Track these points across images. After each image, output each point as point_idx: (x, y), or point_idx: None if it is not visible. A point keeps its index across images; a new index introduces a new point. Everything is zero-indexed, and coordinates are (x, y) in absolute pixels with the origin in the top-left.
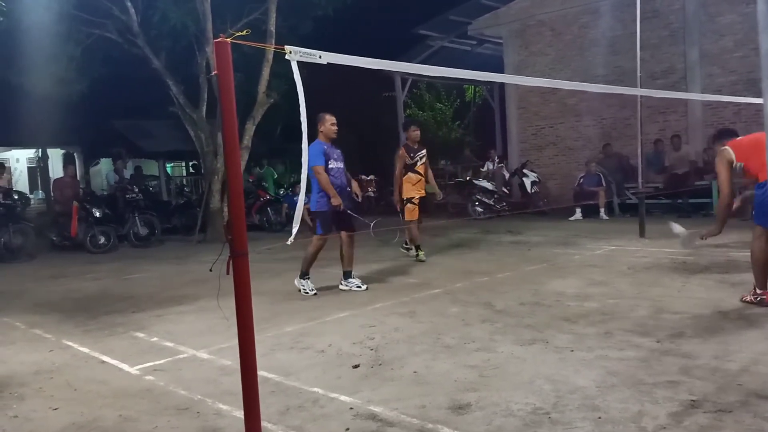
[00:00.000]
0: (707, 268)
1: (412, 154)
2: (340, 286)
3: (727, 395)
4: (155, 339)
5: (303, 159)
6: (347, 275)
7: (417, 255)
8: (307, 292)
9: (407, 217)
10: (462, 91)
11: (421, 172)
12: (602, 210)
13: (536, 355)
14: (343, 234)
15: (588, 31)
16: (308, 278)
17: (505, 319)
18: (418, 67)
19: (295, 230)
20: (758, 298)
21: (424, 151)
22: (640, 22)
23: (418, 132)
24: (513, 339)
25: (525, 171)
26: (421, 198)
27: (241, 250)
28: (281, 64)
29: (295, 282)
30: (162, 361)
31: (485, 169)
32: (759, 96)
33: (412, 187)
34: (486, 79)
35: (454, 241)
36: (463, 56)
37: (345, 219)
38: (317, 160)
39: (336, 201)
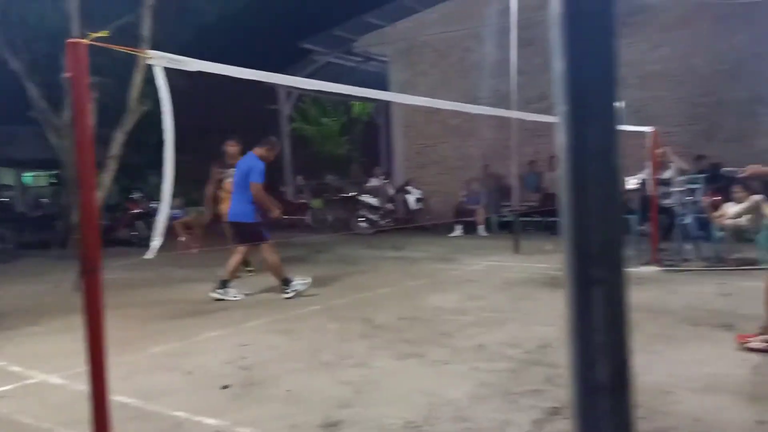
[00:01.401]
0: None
1: (223, 171)
2: (284, 295)
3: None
4: (2, 363)
5: (165, 168)
6: (287, 282)
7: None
8: (299, 290)
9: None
10: (349, 107)
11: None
12: (481, 227)
13: (412, 369)
14: (242, 248)
15: (470, 55)
16: (293, 281)
17: (384, 335)
18: (301, 81)
19: (156, 244)
20: None
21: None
22: (517, 49)
23: (236, 148)
24: (390, 354)
25: (409, 188)
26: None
27: (92, 265)
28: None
29: (284, 295)
30: (7, 387)
31: (370, 185)
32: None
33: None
34: (372, 97)
35: (338, 256)
36: (349, 72)
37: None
38: (261, 178)
39: (277, 213)
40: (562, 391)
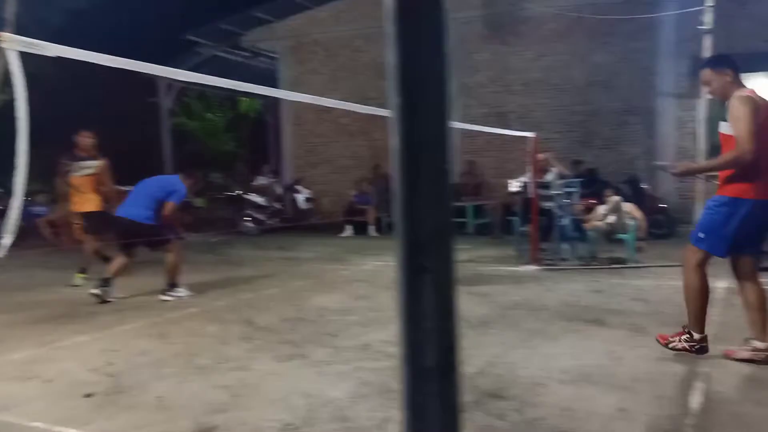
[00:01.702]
0: (457, 281)
1: (71, 164)
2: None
3: (464, 396)
4: None
5: (18, 161)
6: (173, 286)
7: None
8: (180, 297)
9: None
10: (236, 103)
11: (77, 184)
12: (372, 227)
13: (293, 370)
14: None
15: (360, 55)
16: (180, 288)
17: (266, 336)
18: (183, 74)
19: (6, 242)
20: (696, 346)
21: (93, 162)
22: None
23: (90, 140)
24: (271, 356)
25: (298, 187)
26: (89, 215)
27: None
28: (30, 59)
29: (164, 298)
30: None
31: (257, 183)
32: (507, 128)
33: (74, 203)
34: (260, 93)
35: (222, 257)
36: (236, 67)
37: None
38: (179, 201)
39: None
40: None
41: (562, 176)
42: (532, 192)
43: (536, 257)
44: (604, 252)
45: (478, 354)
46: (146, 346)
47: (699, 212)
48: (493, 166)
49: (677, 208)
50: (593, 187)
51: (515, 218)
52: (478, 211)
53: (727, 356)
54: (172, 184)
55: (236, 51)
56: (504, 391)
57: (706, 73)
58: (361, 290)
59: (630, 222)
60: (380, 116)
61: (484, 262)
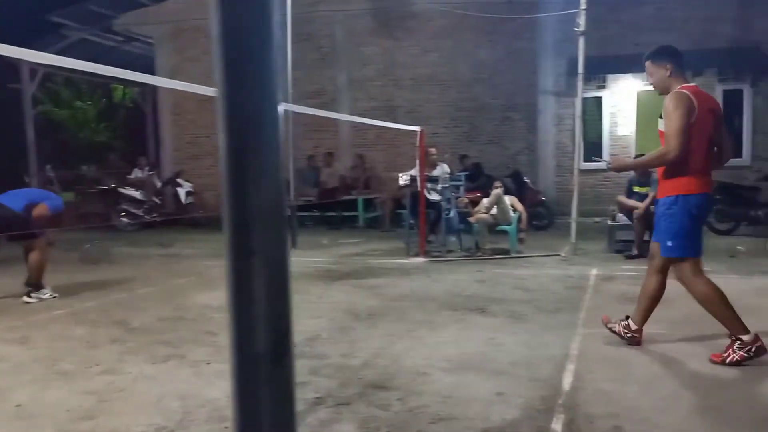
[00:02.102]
0: (347, 275)
1: None
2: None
3: (348, 389)
4: None
5: None
6: (38, 287)
7: None
8: (43, 299)
9: None
10: (110, 91)
11: None
12: None
13: (169, 372)
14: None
15: None
16: (45, 289)
17: (140, 338)
18: (48, 58)
19: None
20: (629, 335)
21: None
22: (295, 42)
23: None
24: (145, 358)
25: (179, 180)
26: None
27: None
28: None
29: (27, 300)
30: None
31: (133, 176)
32: (396, 122)
33: None
34: (135, 80)
35: (94, 255)
36: (109, 52)
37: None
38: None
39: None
40: (326, 381)
41: (449, 171)
42: (420, 185)
43: (424, 249)
44: (488, 243)
45: (365, 346)
46: (5, 352)
47: (576, 204)
48: (383, 159)
49: (556, 201)
50: (478, 180)
51: (404, 211)
52: (369, 204)
53: (714, 361)
54: (47, 194)
55: (108, 35)
56: (388, 382)
57: (648, 65)
58: None
59: (512, 214)
60: None
61: (374, 255)
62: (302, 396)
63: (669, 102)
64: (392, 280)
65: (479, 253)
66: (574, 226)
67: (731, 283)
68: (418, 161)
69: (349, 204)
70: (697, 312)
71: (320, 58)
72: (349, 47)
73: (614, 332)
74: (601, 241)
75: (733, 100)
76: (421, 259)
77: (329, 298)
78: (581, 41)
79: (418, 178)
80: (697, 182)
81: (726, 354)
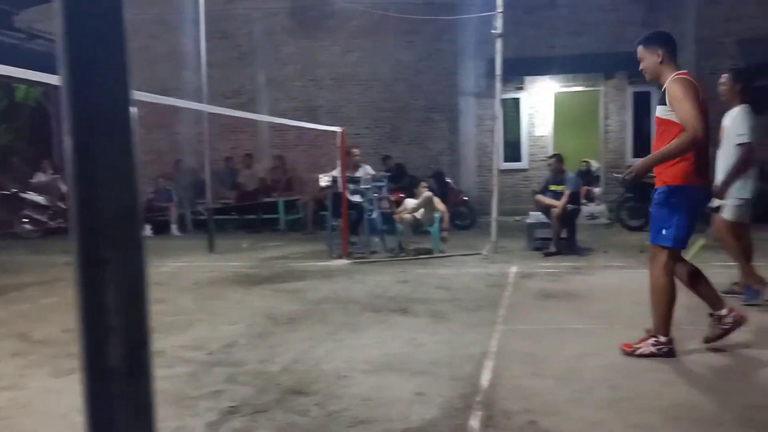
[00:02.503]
0: (267, 279)
1: None
2: None
3: (266, 396)
4: None
5: None
6: None
7: None
8: None
9: None
10: (11, 90)
11: None
12: (174, 226)
13: (75, 385)
14: None
15: (158, 42)
16: None
17: (44, 350)
18: None
19: None
20: (663, 348)
21: None
22: (211, 41)
23: None
24: (50, 371)
25: None
26: None
27: None
28: None
29: None
30: None
31: (37, 180)
32: (317, 122)
33: None
34: (38, 80)
35: None
36: (9, 50)
37: None
38: None
39: None
40: (242, 389)
41: (371, 172)
42: (341, 187)
43: (347, 251)
44: (411, 244)
45: (284, 351)
46: None
47: (496, 204)
48: (305, 160)
49: (478, 200)
50: (401, 181)
51: (327, 213)
52: (290, 206)
53: (625, 351)
54: None
55: (9, 32)
56: (307, 387)
57: (639, 50)
58: (158, 293)
59: (435, 214)
60: (182, 108)
61: (296, 258)
62: (216, 405)
63: (675, 88)
64: (314, 283)
65: (402, 254)
66: (494, 225)
67: (639, 277)
68: (339, 162)
69: (270, 206)
70: (613, 306)
71: (238, 57)
72: (267, 46)
73: (646, 355)
74: (521, 240)
75: (643, 101)
76: (343, 261)
77: (248, 303)
78: (498, 43)
79: (339, 179)
80: (700, 174)
81: (638, 345)
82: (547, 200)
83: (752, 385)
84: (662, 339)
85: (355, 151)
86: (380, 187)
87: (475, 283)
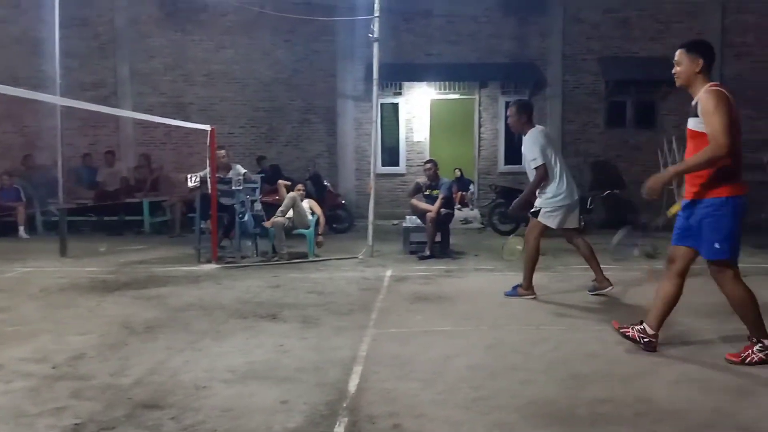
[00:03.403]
0: (126, 285)
1: None
2: None
3: (115, 411)
4: None
5: None
6: None
7: None
8: None
9: None
10: None
11: None
12: (22, 228)
13: None
14: None
15: (7, 27)
16: None
17: None
18: None
19: None
20: (645, 339)
21: None
22: (68, 28)
23: None
24: None
25: None
26: None
27: None
28: None
29: None
30: None
31: None
32: (187, 119)
33: None
34: None
35: None
36: None
37: None
38: None
39: None
40: (89, 404)
41: (243, 172)
42: (211, 188)
43: (216, 255)
44: (285, 247)
45: (139, 363)
46: None
47: (373, 207)
48: (173, 159)
49: (356, 204)
50: (277, 183)
51: (195, 215)
52: (156, 208)
53: (733, 362)
54: None
55: None
56: (162, 400)
57: (680, 54)
58: (0, 301)
59: (310, 217)
60: (33, 100)
61: (159, 263)
62: (58, 423)
63: (708, 100)
64: (178, 289)
65: (275, 258)
66: (371, 228)
67: (507, 280)
68: (209, 162)
69: (134, 207)
70: (480, 308)
71: (99, 47)
72: (132, 37)
73: (627, 337)
74: (397, 243)
75: None
76: (212, 266)
77: (102, 311)
78: (376, 47)
79: (209, 180)
80: (742, 184)
81: (745, 354)
82: (422, 204)
83: (600, 380)
84: (766, 342)
85: (221, 152)
86: (253, 189)
87: (349, 287)
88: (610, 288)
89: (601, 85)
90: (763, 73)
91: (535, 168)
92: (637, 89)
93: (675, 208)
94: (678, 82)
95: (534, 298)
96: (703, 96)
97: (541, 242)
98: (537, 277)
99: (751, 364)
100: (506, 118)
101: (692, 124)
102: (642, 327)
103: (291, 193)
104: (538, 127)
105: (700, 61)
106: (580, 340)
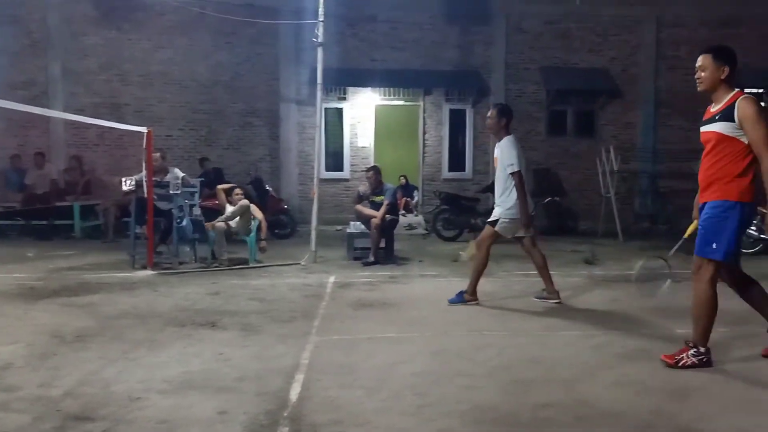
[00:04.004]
0: (56, 292)
1: None
2: None
3: (44, 424)
4: None
5: None
6: None
7: None
8: None
9: None
10: None
11: None
12: None
13: None
14: None
15: None
16: None
17: None
18: None
19: None
20: (703, 358)
21: None
22: None
23: None
24: None
25: None
26: None
27: None
28: None
29: None
30: None
31: None
32: (123, 121)
33: None
34: None
35: None
36: None
37: None
38: None
39: None
40: (15, 417)
41: (181, 175)
42: (147, 191)
43: (152, 261)
44: (225, 253)
45: (70, 373)
46: None
47: (317, 212)
48: (107, 162)
49: (300, 209)
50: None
51: (130, 220)
52: (89, 212)
53: (667, 363)
54: None
55: None
56: (94, 412)
57: (705, 58)
58: None
59: (252, 222)
60: None
61: (92, 269)
62: None
63: (748, 107)
64: (111, 296)
65: (215, 264)
66: (314, 234)
67: (451, 286)
68: (144, 165)
69: (64, 211)
70: (424, 314)
71: (30, 45)
72: (65, 35)
73: (688, 367)
74: (341, 249)
75: (458, 119)
76: (148, 272)
77: (31, 319)
78: (320, 52)
79: (145, 183)
80: (752, 191)
81: (680, 357)
82: (366, 210)
83: (543, 384)
84: (702, 350)
85: (156, 155)
86: (192, 193)
87: (292, 294)
88: (558, 302)
89: (543, 95)
90: (695, 85)
91: (512, 173)
92: (577, 99)
93: (691, 229)
94: (700, 87)
95: (477, 304)
96: (742, 103)
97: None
98: (480, 284)
99: (683, 367)
100: (486, 118)
101: (723, 128)
102: (695, 350)
103: (244, 201)
104: (514, 136)
105: (726, 69)
106: (523, 345)
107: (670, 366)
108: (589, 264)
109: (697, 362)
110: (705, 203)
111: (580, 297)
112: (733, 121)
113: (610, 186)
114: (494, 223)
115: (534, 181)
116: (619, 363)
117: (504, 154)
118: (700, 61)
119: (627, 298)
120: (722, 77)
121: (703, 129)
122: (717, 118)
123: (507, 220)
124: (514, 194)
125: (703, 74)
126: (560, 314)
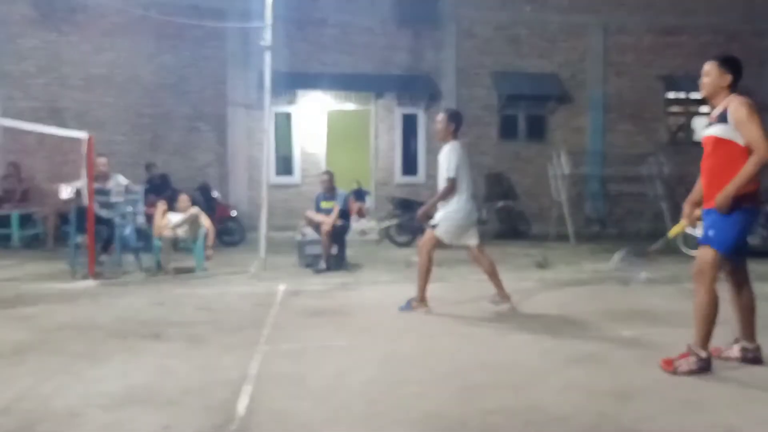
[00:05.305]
0: None
1: None
2: None
3: None
4: None
5: None
6: None
7: None
8: None
9: None
10: None
11: None
12: None
13: None
14: None
15: None
16: None
17: None
18: None
19: None
20: (702, 365)
21: None
22: None
23: None
24: None
25: None
26: None
27: None
28: None
29: None
30: None
31: None
32: (63, 126)
33: None
34: None
35: None
36: None
37: None
38: None
39: None
40: None
41: (125, 182)
42: (88, 199)
43: (94, 271)
44: (171, 262)
45: (5, 389)
46: None
47: (266, 219)
48: (46, 169)
49: (249, 215)
50: (164, 193)
51: (70, 228)
52: (27, 220)
53: (715, 355)
54: None
55: None
56: (31, 429)
57: (711, 65)
58: None
59: (199, 230)
60: None
61: (31, 280)
62: None
63: (744, 110)
64: (51, 308)
65: (161, 274)
66: (263, 241)
67: (404, 291)
68: (85, 171)
69: (2, 220)
70: (376, 321)
71: None
72: (1, 37)
73: (686, 374)
74: (291, 256)
75: (410, 123)
76: (89, 283)
77: None
78: (268, 55)
79: (85, 191)
80: (758, 194)
81: (678, 363)
82: (317, 216)
83: (492, 390)
84: (703, 355)
85: (101, 160)
86: (135, 201)
87: (240, 303)
88: (510, 306)
89: (494, 99)
90: (641, 90)
91: (448, 179)
92: (527, 103)
93: (676, 230)
94: (703, 93)
95: (428, 310)
96: (737, 105)
97: (435, 254)
98: (432, 289)
99: (681, 373)
100: (436, 123)
101: (719, 131)
102: (742, 345)
103: (194, 209)
104: (458, 141)
105: (729, 77)
106: (474, 351)
107: (668, 373)
108: (541, 268)
109: (695, 369)
110: (710, 209)
111: (532, 301)
112: (727, 123)
113: (561, 190)
114: (435, 227)
115: (486, 186)
116: (568, 367)
117: (444, 159)
118: (707, 67)
119: (577, 302)
120: (724, 85)
121: (703, 134)
122: (714, 122)
123: (446, 225)
124: (455, 199)
125: (706, 80)
126: (511, 319)
